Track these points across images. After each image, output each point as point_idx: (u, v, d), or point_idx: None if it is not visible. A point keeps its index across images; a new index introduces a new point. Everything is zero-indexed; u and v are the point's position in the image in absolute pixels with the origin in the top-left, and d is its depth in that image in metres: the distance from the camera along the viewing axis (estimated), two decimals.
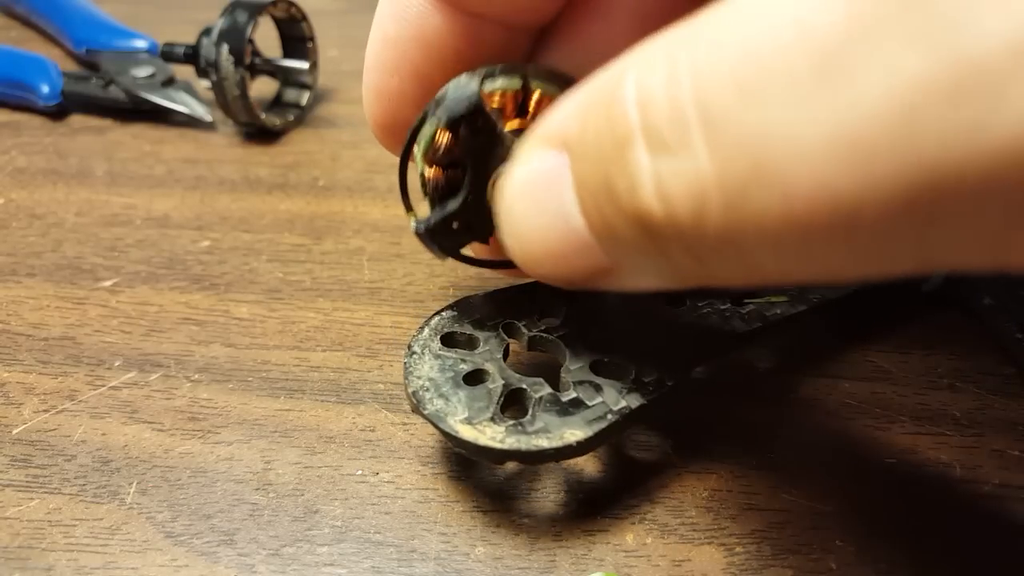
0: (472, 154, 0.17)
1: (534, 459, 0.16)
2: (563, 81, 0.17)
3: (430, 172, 0.17)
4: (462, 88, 0.16)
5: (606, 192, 0.11)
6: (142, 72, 0.36)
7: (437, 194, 0.18)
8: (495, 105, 0.16)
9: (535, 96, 0.17)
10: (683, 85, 0.10)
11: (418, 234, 0.18)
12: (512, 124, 0.17)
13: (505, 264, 0.20)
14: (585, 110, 0.12)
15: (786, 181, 0.09)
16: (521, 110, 0.17)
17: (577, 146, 0.12)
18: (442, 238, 0.18)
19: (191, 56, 0.34)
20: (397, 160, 0.18)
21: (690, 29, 0.10)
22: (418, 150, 0.17)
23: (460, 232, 0.18)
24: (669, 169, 0.10)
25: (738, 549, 0.18)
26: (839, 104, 0.09)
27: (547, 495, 0.19)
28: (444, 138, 0.16)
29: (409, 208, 0.18)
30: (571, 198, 0.12)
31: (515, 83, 0.16)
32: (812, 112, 0.09)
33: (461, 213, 0.17)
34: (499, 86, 0.16)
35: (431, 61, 0.17)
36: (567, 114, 0.13)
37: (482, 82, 0.16)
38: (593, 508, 0.18)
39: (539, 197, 0.13)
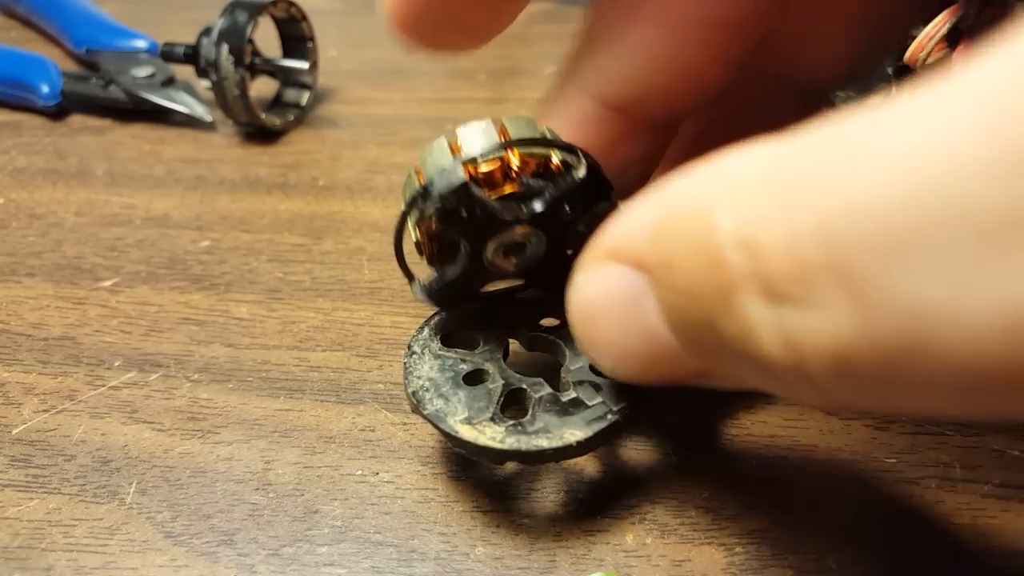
0: (465, 233, 0.17)
1: (534, 459, 0.16)
2: (544, 144, 0.17)
3: (425, 240, 0.18)
4: (447, 175, 0.16)
5: (708, 329, 0.11)
6: (142, 72, 0.36)
7: (435, 258, 0.19)
8: (482, 175, 0.17)
9: (516, 163, 0.17)
10: (808, 241, 0.09)
11: (419, 298, 0.19)
12: (502, 191, 0.17)
13: (514, 290, 0.20)
14: (663, 237, 0.11)
15: (948, 350, 0.09)
16: (507, 172, 0.17)
17: (660, 274, 0.11)
18: (444, 299, 0.19)
19: (191, 56, 0.34)
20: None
21: (796, 163, 0.10)
22: (411, 222, 0.18)
23: (462, 288, 0.19)
24: (798, 322, 0.09)
25: (738, 549, 0.18)
26: (1006, 282, 0.08)
27: (547, 495, 0.19)
28: (435, 221, 0.17)
29: (410, 278, 0.19)
30: (658, 319, 0.12)
31: (499, 154, 0.16)
32: (977, 288, 0.08)
33: (461, 277, 0.18)
34: (482, 160, 0.16)
35: None
36: (638, 232, 0.12)
37: (466, 164, 0.16)
38: (593, 508, 0.18)
39: (620, 316, 0.12)
